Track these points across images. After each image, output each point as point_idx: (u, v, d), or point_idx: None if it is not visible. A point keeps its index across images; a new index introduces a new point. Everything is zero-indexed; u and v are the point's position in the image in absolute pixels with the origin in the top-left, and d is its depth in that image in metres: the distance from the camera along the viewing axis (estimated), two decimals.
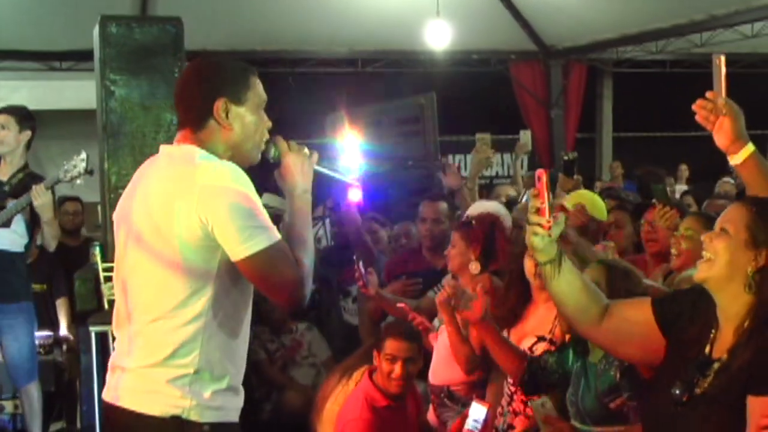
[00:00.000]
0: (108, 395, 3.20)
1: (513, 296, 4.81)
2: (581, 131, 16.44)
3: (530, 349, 4.56)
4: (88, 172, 6.35)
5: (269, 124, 3.29)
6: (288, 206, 3.24)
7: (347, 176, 3.80)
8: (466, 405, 4.72)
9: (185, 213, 2.99)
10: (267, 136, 3.29)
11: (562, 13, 13.93)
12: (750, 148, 3.35)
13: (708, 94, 3.35)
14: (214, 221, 2.97)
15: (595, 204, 6.19)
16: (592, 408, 3.88)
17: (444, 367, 5.09)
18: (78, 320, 7.51)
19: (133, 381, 3.13)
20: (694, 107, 3.37)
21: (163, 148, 3.28)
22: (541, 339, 4.57)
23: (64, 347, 7.90)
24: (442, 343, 5.02)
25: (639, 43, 14.71)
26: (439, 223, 6.21)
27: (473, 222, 5.56)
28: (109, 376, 3.26)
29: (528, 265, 4.63)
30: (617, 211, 6.33)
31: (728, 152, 3.39)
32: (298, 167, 3.25)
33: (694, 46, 14.08)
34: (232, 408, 3.19)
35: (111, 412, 3.17)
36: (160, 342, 3.08)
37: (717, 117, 3.33)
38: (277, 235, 3.03)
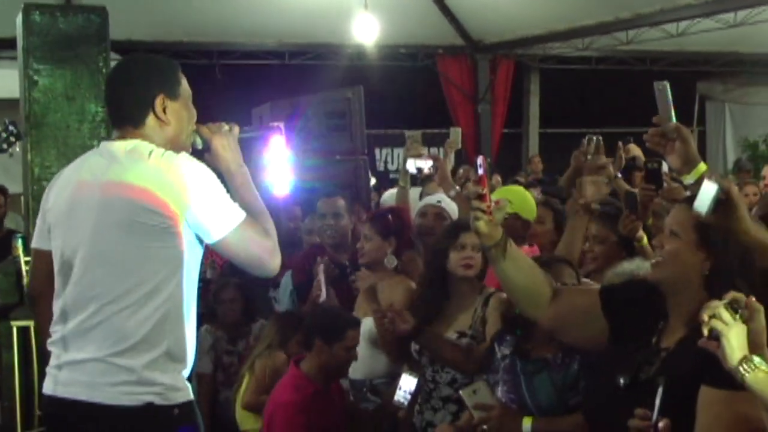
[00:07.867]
0: None
1: (432, 293, 4.76)
2: (508, 126, 16.52)
3: None
4: (17, 135, 6.16)
5: (195, 114, 3.49)
6: (231, 186, 3.39)
7: (269, 128, 3.90)
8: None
9: (157, 204, 3.12)
10: (194, 126, 3.47)
11: (489, 8, 14.02)
12: (702, 167, 3.45)
13: (654, 119, 3.43)
14: (193, 206, 3.14)
15: (525, 202, 5.94)
16: (548, 404, 3.80)
17: (365, 361, 5.07)
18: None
19: None
20: (645, 137, 3.47)
21: (111, 145, 3.34)
22: (462, 335, 4.57)
23: None
24: (361, 337, 4.97)
25: (566, 40, 14.82)
26: (338, 218, 6.17)
27: (389, 215, 5.60)
28: None
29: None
30: (540, 207, 6.03)
31: (681, 173, 3.48)
32: (226, 146, 3.42)
33: (620, 44, 14.26)
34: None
35: None
36: None
37: (667, 141, 3.42)
38: (243, 211, 3.25)
